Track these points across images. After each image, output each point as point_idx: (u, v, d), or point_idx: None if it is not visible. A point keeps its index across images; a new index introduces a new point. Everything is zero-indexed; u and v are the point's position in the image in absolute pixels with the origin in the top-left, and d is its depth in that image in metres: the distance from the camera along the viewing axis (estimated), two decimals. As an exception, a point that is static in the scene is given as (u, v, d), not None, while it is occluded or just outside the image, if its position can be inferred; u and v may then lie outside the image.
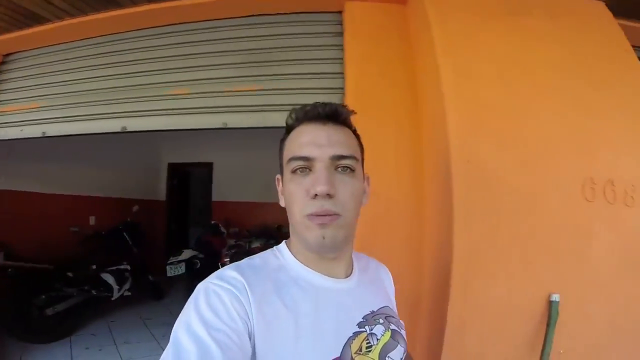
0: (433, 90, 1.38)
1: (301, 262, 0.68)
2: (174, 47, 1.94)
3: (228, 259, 3.16)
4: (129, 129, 1.90)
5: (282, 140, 0.71)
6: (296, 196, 0.64)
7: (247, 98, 1.76)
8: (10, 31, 2.19)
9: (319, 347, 0.60)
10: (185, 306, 0.57)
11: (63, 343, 3.02)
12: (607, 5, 1.62)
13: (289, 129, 0.70)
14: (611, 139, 1.42)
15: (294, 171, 0.64)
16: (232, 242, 4.04)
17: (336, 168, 0.64)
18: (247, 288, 0.58)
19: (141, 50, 2.00)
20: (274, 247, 0.73)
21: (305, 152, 0.63)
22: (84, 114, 1.98)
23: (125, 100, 1.94)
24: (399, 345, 0.70)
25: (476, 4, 1.47)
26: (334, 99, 1.65)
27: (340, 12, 1.77)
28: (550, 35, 1.44)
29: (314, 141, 0.64)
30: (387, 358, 0.67)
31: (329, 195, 0.61)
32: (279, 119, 1.70)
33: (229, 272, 0.61)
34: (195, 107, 1.81)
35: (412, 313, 1.41)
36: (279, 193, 0.72)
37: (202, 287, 0.58)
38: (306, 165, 0.63)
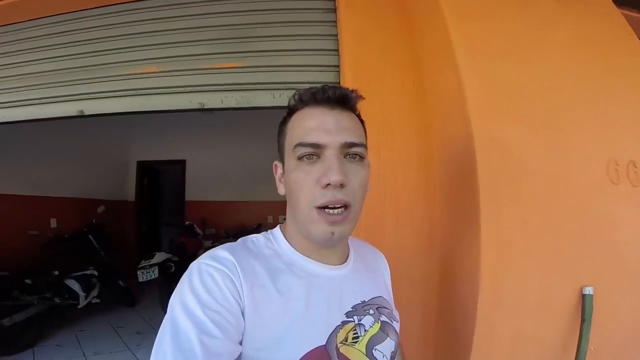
0: (445, 68, 1.27)
1: (295, 249, 0.66)
2: (141, 24, 1.73)
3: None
4: (86, 113, 1.66)
5: (283, 123, 0.67)
6: (304, 185, 0.60)
7: (226, 76, 1.57)
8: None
9: (307, 333, 0.59)
10: (179, 286, 0.57)
11: (25, 355, 2.84)
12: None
13: (291, 110, 0.66)
14: (629, 122, 1.36)
15: (300, 158, 0.61)
16: (209, 243, 3.88)
17: (345, 155, 0.61)
18: (238, 268, 0.58)
19: (103, 29, 1.77)
20: (268, 232, 0.71)
21: (314, 139, 0.59)
22: (36, 97, 1.74)
23: (82, 81, 1.70)
24: (388, 337, 0.68)
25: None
26: (329, 76, 1.53)
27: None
28: (559, 17, 1.38)
29: (322, 127, 0.60)
30: (374, 350, 0.65)
31: (342, 185, 0.58)
32: (265, 99, 1.52)
33: (221, 252, 0.60)
34: (166, 86, 1.60)
35: (422, 311, 1.29)
36: (277, 180, 0.68)
37: (195, 267, 0.58)
38: (315, 152, 0.60)
